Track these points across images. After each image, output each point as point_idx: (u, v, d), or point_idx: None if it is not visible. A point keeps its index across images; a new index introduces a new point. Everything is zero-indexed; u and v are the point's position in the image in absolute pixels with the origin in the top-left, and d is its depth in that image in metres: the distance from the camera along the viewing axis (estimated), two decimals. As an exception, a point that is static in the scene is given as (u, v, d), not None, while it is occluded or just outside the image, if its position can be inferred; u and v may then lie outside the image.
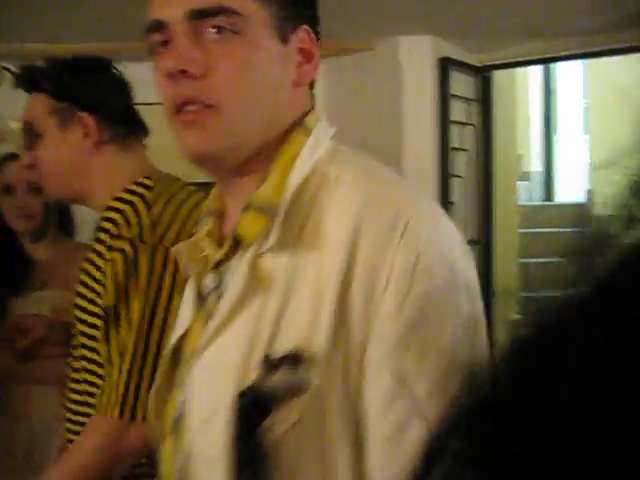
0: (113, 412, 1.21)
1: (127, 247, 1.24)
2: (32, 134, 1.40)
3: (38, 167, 1.40)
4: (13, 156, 1.92)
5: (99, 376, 1.28)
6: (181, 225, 1.28)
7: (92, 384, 1.31)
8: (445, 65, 3.17)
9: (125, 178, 1.36)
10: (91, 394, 1.30)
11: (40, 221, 1.94)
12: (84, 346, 1.32)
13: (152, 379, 1.06)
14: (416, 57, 3.14)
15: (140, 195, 1.31)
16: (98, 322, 1.27)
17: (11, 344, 1.81)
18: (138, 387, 1.21)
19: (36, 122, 1.39)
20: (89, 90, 1.40)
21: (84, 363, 1.32)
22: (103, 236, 1.29)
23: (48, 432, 1.80)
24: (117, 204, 1.32)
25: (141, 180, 1.35)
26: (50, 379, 1.83)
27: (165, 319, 1.22)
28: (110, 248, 1.25)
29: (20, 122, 1.45)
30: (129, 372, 1.21)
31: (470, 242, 3.41)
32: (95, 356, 1.29)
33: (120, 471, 1.28)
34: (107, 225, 1.29)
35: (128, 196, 1.32)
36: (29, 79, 1.43)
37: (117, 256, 1.23)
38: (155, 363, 1.16)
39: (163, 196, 1.32)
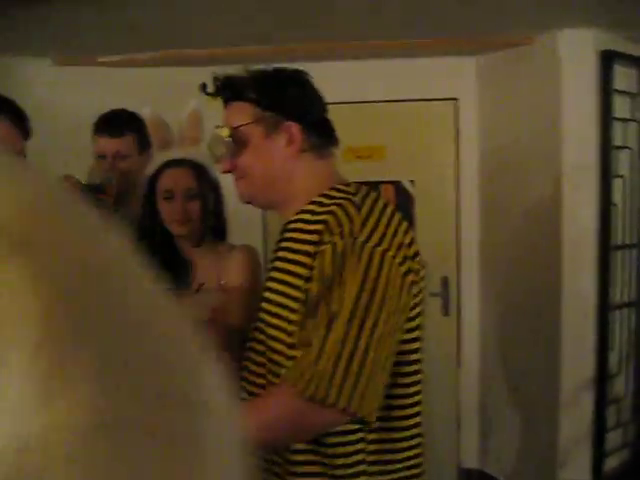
0: (307, 390, 1.28)
1: (338, 241, 1.33)
2: (238, 141, 1.52)
3: (240, 173, 1.55)
4: (173, 163, 2.03)
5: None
6: (384, 229, 1.37)
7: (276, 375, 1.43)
8: (607, 58, 3.01)
9: (320, 184, 1.48)
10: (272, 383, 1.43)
11: (198, 225, 2.04)
12: (273, 338, 1.45)
13: (362, 367, 1.27)
14: (576, 50, 3.02)
15: (347, 198, 1.41)
16: (293, 316, 1.39)
17: None
18: (346, 371, 1.28)
19: (242, 130, 1.52)
20: (294, 100, 1.53)
21: (274, 355, 1.44)
22: (309, 237, 1.39)
23: None
24: (318, 208, 1.43)
25: (339, 186, 1.47)
26: None
27: (379, 313, 1.30)
28: (319, 243, 1.36)
29: (220, 130, 1.55)
30: (338, 355, 1.28)
31: (631, 246, 3.25)
32: (284, 349, 1.42)
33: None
34: (318, 227, 1.38)
35: (329, 200, 1.43)
36: (234, 89, 1.56)
37: (327, 249, 1.34)
38: (367, 352, 1.28)
39: (368, 201, 1.41)
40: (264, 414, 1.33)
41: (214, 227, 2.12)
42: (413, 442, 1.49)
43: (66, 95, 3.21)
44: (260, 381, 1.50)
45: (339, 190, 1.46)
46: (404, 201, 3.51)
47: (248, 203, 1.60)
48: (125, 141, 2.46)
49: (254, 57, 3.22)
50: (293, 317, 1.40)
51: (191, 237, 2.06)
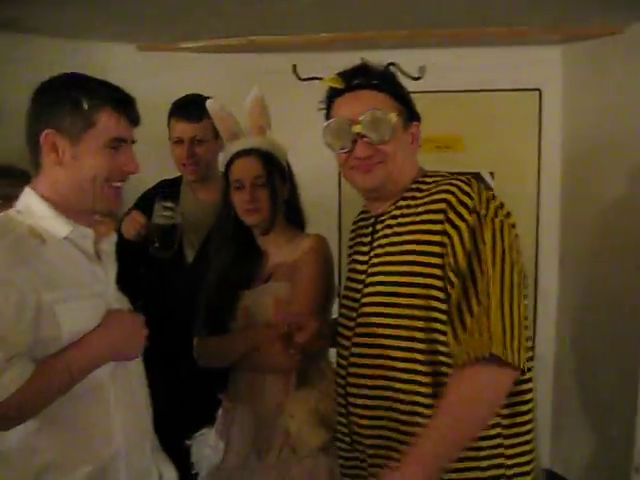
0: (504, 356, 1.42)
1: (468, 217, 1.52)
2: (384, 129, 1.63)
3: (380, 158, 1.65)
4: (242, 152, 2.07)
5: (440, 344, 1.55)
6: (495, 201, 1.58)
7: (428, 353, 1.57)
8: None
9: (415, 175, 1.70)
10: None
11: (267, 214, 2.06)
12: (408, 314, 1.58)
13: (519, 326, 1.46)
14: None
15: (467, 181, 1.60)
16: (436, 292, 1.54)
17: (289, 339, 1.87)
18: (511, 332, 1.44)
19: (389, 120, 1.63)
20: (412, 100, 1.73)
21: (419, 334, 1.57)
22: (432, 216, 1.57)
23: (269, 419, 2.02)
24: (418, 193, 1.65)
25: (430, 172, 1.71)
26: (275, 368, 2.01)
27: (517, 277, 1.52)
28: (448, 222, 1.53)
29: (383, 113, 1.63)
30: (502, 318, 1.45)
31: None
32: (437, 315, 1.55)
33: None
34: (440, 206, 1.56)
35: (426, 185, 1.64)
36: (373, 77, 1.68)
37: (462, 226, 1.52)
38: (518, 311, 1.48)
39: (476, 183, 1.61)
40: (470, 389, 1.46)
41: (289, 216, 2.15)
42: (531, 415, 1.62)
43: (148, 80, 3.29)
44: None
45: (433, 176, 1.68)
46: None
47: (370, 190, 1.71)
48: (203, 126, 2.50)
49: (333, 44, 3.24)
50: (436, 293, 1.54)
51: (261, 226, 2.09)
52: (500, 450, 1.57)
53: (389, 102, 1.66)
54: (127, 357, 1.59)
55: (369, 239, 1.75)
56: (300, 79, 1.85)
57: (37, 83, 1.58)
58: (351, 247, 1.90)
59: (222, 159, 2.17)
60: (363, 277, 1.72)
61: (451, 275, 1.52)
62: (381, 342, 1.62)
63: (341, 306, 1.84)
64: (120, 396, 1.57)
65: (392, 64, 1.70)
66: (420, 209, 1.62)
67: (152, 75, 3.29)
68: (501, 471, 1.57)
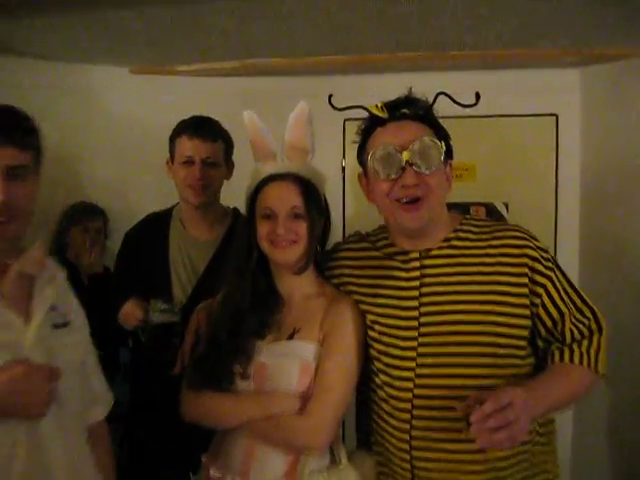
0: (597, 366, 1.75)
1: (552, 266, 1.77)
2: (432, 158, 1.71)
3: (424, 192, 1.72)
4: (276, 177, 1.86)
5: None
6: None
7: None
8: None
9: (449, 214, 1.88)
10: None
11: (304, 250, 1.84)
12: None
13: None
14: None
15: (526, 230, 1.83)
16: (517, 332, 1.73)
17: None
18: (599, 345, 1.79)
19: (439, 148, 1.72)
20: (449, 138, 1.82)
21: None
22: (517, 269, 1.74)
23: None
24: (471, 235, 1.82)
25: (469, 216, 1.94)
26: (288, 445, 1.81)
27: None
28: (528, 257, 1.74)
29: (432, 140, 1.72)
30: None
31: None
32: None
33: None
34: (517, 242, 1.77)
35: (477, 228, 1.83)
36: (420, 109, 1.77)
37: (552, 274, 1.76)
38: None
39: None
40: (573, 387, 1.75)
41: (317, 258, 1.93)
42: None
43: (141, 104, 3.28)
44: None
45: (474, 219, 1.89)
46: None
47: (416, 229, 1.76)
48: (217, 147, 2.46)
49: (338, 67, 3.23)
50: (522, 322, 1.73)
51: (293, 265, 1.86)
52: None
53: (432, 135, 1.73)
54: (25, 414, 1.40)
55: (416, 274, 1.78)
56: (336, 109, 1.90)
57: (27, 105, 1.53)
58: (358, 284, 1.88)
59: (250, 183, 1.91)
60: (414, 314, 1.75)
61: (551, 312, 1.75)
62: (457, 392, 1.64)
63: (380, 353, 1.82)
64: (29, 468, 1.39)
65: (442, 93, 1.77)
66: (491, 251, 1.75)
67: (146, 98, 3.28)
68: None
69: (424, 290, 1.76)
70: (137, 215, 2.68)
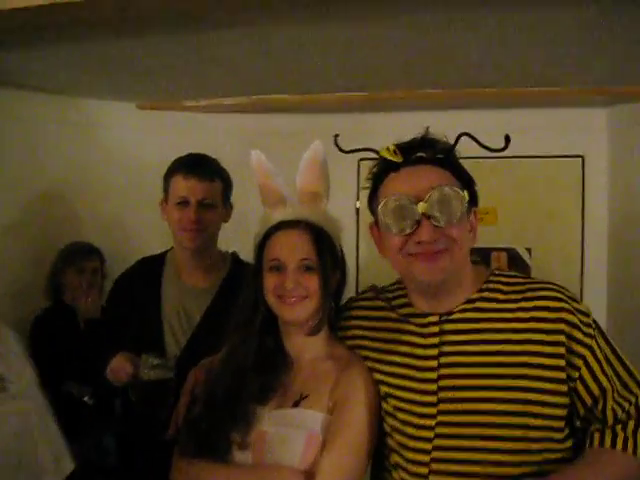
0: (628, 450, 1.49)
1: (594, 333, 1.53)
2: (454, 209, 1.49)
3: (446, 244, 1.50)
4: (285, 224, 1.70)
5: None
6: None
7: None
8: None
9: (473, 271, 1.66)
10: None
11: (317, 307, 1.67)
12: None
13: None
14: None
15: (563, 288, 1.60)
16: (553, 411, 1.50)
17: None
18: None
19: (461, 198, 1.50)
20: (473, 184, 1.61)
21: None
22: (553, 337, 1.51)
23: None
24: (501, 295, 1.59)
25: (497, 271, 1.68)
26: None
27: None
28: (579, 341, 1.51)
29: (452, 188, 1.50)
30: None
31: None
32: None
33: None
34: (559, 325, 1.52)
35: (506, 286, 1.60)
36: (439, 152, 1.55)
37: (593, 343, 1.52)
38: None
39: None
40: (615, 478, 1.49)
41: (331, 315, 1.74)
42: None
43: (145, 140, 3.20)
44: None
45: (503, 274, 1.64)
46: (519, 271, 3.04)
47: (434, 284, 1.54)
48: (214, 187, 2.31)
49: (352, 105, 3.12)
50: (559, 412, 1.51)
51: (303, 323, 1.68)
52: None
53: (453, 181, 1.53)
54: None
55: (435, 341, 1.57)
56: (342, 151, 1.65)
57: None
58: (371, 348, 1.69)
59: (258, 230, 1.75)
60: (431, 387, 1.55)
61: (591, 388, 1.52)
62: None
63: (393, 430, 1.61)
64: None
65: (466, 134, 1.55)
66: (522, 315, 1.53)
67: (150, 135, 3.22)
68: None
69: (444, 360, 1.55)
70: (137, 256, 2.55)
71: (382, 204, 1.53)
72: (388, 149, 1.56)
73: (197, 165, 2.30)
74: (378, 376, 1.64)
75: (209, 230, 2.31)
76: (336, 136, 1.65)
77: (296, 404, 1.64)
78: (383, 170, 1.58)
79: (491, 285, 1.59)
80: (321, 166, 1.72)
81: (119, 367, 2.12)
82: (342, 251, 1.77)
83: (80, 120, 3.17)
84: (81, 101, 3.16)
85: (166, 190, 2.35)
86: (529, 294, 1.55)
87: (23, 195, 3.04)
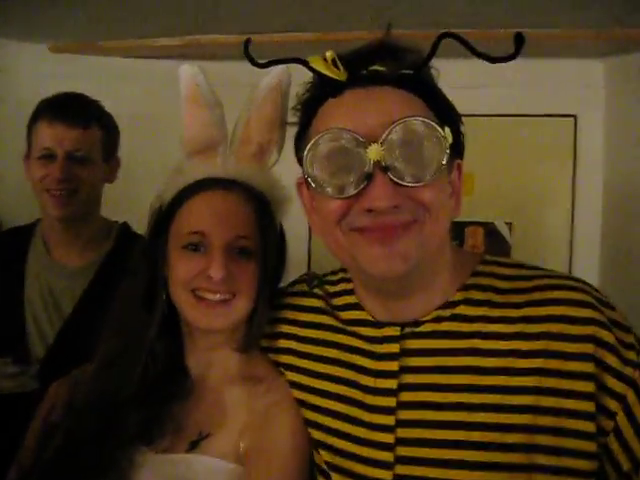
0: None
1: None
2: (427, 157, 1.02)
3: (418, 213, 1.02)
4: (213, 184, 1.28)
5: None
6: None
7: None
8: None
9: (460, 260, 1.22)
10: None
11: (247, 308, 1.30)
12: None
13: None
14: None
15: (596, 290, 1.15)
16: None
17: None
18: None
19: (439, 139, 1.01)
20: (459, 119, 1.12)
21: None
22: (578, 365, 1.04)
23: None
24: (497, 296, 1.13)
25: (488, 257, 1.24)
26: None
27: None
28: (617, 373, 1.02)
29: (425, 122, 1.01)
30: None
31: None
32: None
33: None
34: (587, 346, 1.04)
35: (510, 281, 1.14)
36: (401, 66, 1.06)
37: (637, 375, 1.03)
38: None
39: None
40: None
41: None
42: None
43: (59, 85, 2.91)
44: None
45: (497, 263, 1.15)
46: (497, 249, 3.02)
47: (393, 279, 1.02)
48: (89, 135, 1.89)
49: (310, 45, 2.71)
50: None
51: (228, 335, 1.27)
52: None
53: (427, 112, 1.03)
54: None
55: (393, 367, 1.10)
56: (255, 64, 1.09)
57: None
58: (302, 369, 1.24)
59: (163, 189, 1.31)
60: (386, 438, 1.08)
61: (631, 445, 1.02)
62: None
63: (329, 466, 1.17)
64: None
65: (450, 35, 1.02)
66: (528, 328, 1.05)
67: (64, 82, 2.84)
68: None
69: (405, 397, 1.08)
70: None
71: (309, 146, 1.03)
72: (325, 60, 1.05)
73: (66, 107, 1.88)
74: (308, 413, 1.20)
75: (82, 192, 1.89)
76: (247, 41, 1.10)
77: (193, 446, 1.21)
78: (317, 95, 1.09)
79: (481, 280, 1.11)
80: (282, 102, 1.29)
81: None
82: (282, 229, 1.34)
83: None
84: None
85: (29, 141, 1.94)
86: (538, 296, 1.07)
87: None
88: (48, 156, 1.86)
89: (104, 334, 1.29)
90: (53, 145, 1.86)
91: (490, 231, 3.07)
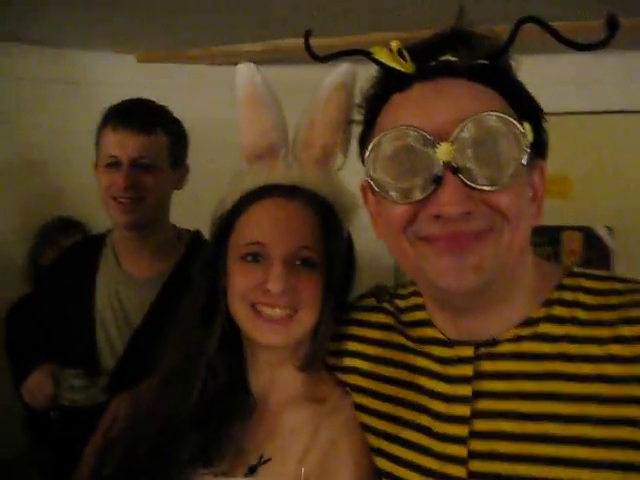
0: None
1: None
2: (504, 159, 0.92)
3: (494, 226, 0.94)
4: (274, 191, 1.22)
5: None
6: None
7: None
8: None
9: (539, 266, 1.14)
10: None
11: (311, 324, 1.23)
12: None
13: None
14: None
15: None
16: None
17: None
18: None
19: (517, 137, 0.92)
20: (543, 117, 1.01)
21: None
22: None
23: None
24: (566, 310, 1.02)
25: (577, 269, 1.11)
26: None
27: None
28: None
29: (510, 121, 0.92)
30: None
31: None
32: None
33: None
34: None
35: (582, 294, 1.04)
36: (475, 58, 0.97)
37: None
38: None
39: None
40: None
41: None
42: None
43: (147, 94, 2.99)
44: None
45: (585, 275, 1.02)
46: (597, 255, 2.89)
47: (460, 292, 0.93)
48: (155, 142, 1.84)
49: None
50: None
51: (290, 352, 1.20)
52: None
53: (504, 107, 0.93)
54: None
55: (466, 391, 1.01)
56: (316, 58, 1.02)
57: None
58: (371, 391, 1.16)
59: (223, 197, 1.25)
60: (458, 472, 0.99)
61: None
62: None
63: None
64: None
65: (532, 19, 0.89)
66: (619, 351, 0.93)
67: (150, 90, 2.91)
68: None
69: (479, 426, 0.98)
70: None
71: (372, 146, 0.95)
72: (390, 50, 0.96)
73: (130, 113, 1.84)
74: (373, 440, 1.12)
75: (149, 199, 1.84)
76: (307, 33, 1.02)
77: (252, 471, 1.15)
78: (383, 90, 1.00)
79: (566, 295, 1.00)
80: (347, 102, 1.20)
81: (36, 387, 1.70)
82: (350, 237, 1.26)
83: (65, 76, 2.91)
84: (66, 53, 2.88)
85: (97, 149, 1.91)
86: (633, 313, 0.94)
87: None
88: (114, 164, 1.83)
89: (166, 348, 1.26)
90: (118, 152, 1.83)
91: (589, 236, 2.93)
